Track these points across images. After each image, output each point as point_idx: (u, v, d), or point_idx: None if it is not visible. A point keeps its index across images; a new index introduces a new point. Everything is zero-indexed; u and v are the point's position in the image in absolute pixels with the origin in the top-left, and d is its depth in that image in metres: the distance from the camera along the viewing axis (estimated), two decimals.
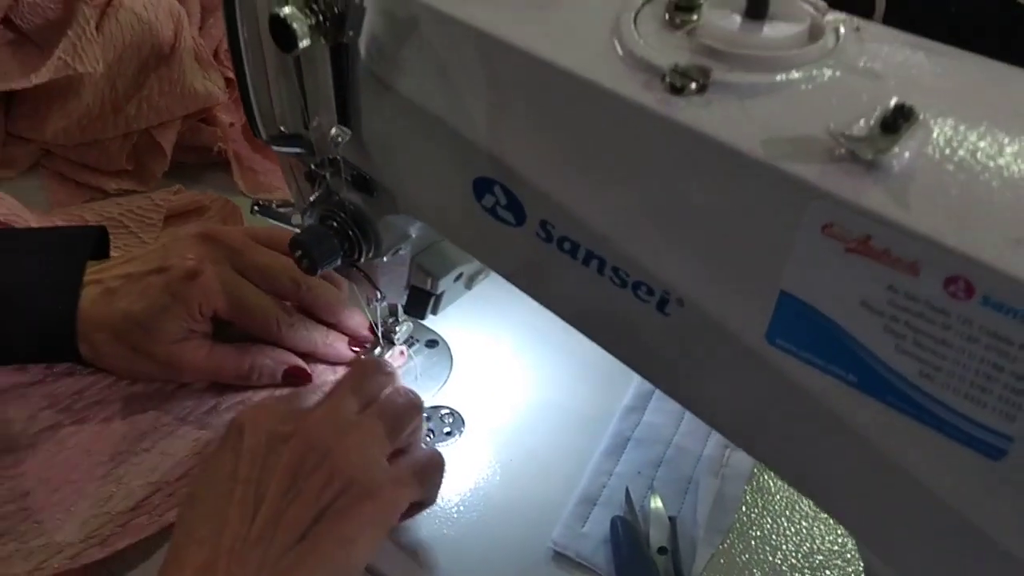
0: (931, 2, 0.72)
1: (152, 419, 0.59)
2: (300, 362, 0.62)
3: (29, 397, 0.60)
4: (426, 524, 0.54)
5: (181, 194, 0.79)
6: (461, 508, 0.56)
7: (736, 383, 0.35)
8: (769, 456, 0.37)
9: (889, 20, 0.70)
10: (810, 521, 0.55)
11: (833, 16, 0.35)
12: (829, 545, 0.53)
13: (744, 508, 0.56)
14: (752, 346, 0.33)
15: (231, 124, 0.85)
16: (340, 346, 0.64)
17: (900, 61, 0.32)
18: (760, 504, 0.56)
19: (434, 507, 0.55)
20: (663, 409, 0.61)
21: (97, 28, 0.77)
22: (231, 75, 0.79)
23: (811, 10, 0.34)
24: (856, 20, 0.35)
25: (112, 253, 0.66)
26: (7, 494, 0.54)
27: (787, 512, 0.55)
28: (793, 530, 0.54)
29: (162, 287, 0.58)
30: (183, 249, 0.59)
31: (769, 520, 0.55)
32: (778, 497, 0.56)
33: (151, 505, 0.54)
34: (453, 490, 0.57)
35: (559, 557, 0.53)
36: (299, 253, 0.50)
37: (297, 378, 0.62)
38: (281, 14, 0.39)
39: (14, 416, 0.58)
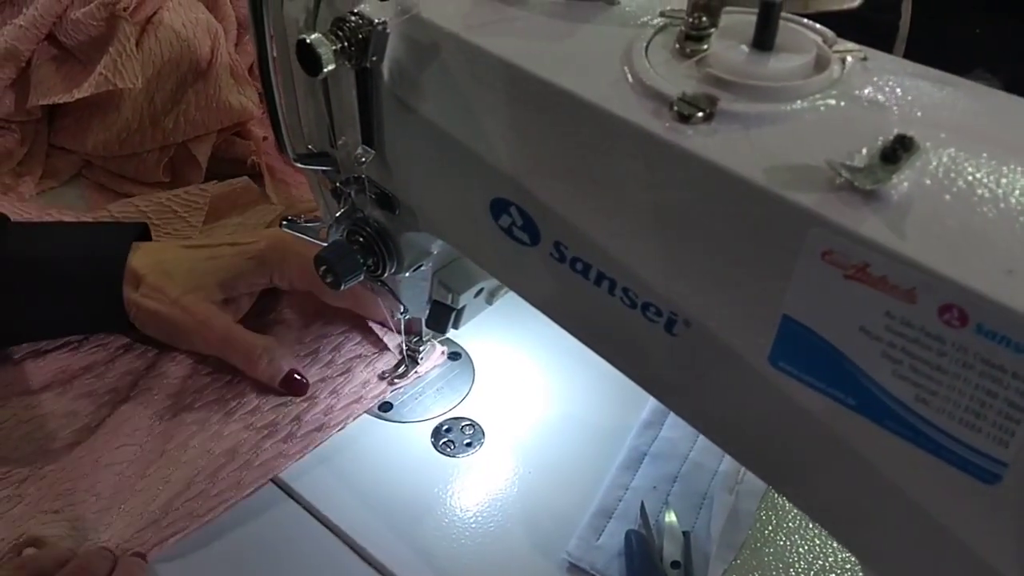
0: (956, 25, 0.72)
1: (201, 417, 0.62)
2: (304, 375, 0.64)
3: (66, 395, 0.63)
4: (443, 533, 0.56)
5: (224, 182, 0.83)
6: (479, 518, 0.57)
7: (740, 404, 0.36)
8: (772, 476, 0.37)
9: (914, 44, 0.70)
10: (823, 539, 0.55)
11: (842, 46, 0.36)
12: (842, 563, 0.53)
13: (758, 524, 0.56)
14: (756, 368, 0.34)
15: (264, 138, 0.87)
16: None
17: (904, 91, 0.33)
18: (774, 521, 0.56)
19: (452, 517, 0.56)
20: (680, 424, 0.62)
21: (137, 45, 0.79)
22: None
23: (818, 40, 0.35)
24: (865, 50, 0.36)
25: (160, 237, 0.72)
26: (69, 497, 0.56)
27: (800, 530, 0.55)
28: (806, 547, 0.54)
29: (235, 252, 0.64)
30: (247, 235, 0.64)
31: (782, 537, 0.55)
32: (792, 514, 0.56)
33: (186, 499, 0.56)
34: (472, 500, 0.58)
35: (573, 569, 0.54)
36: (323, 268, 0.52)
37: (293, 385, 0.64)
38: (308, 40, 0.41)
39: (53, 410, 0.61)
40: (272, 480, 0.58)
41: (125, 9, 0.78)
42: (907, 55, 0.75)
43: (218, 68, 0.82)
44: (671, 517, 0.56)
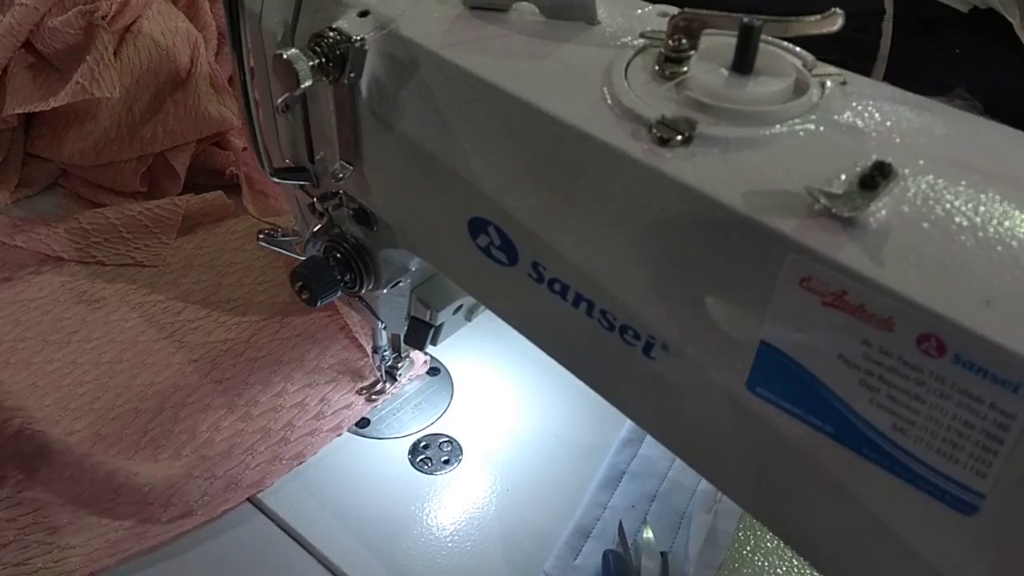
0: (936, 45, 0.72)
1: (189, 426, 0.62)
2: None
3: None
4: (420, 552, 0.55)
5: (199, 196, 0.82)
6: (456, 536, 0.56)
7: (717, 428, 0.36)
8: (749, 501, 0.37)
9: (894, 63, 0.70)
10: (802, 560, 0.55)
11: (822, 70, 0.36)
12: None
13: (736, 545, 0.56)
14: (733, 393, 0.34)
15: (244, 148, 0.86)
16: None
17: (883, 116, 0.33)
18: (752, 541, 0.56)
19: (429, 535, 0.56)
20: (658, 443, 0.62)
21: (115, 53, 0.79)
22: None
23: (798, 64, 0.35)
24: (845, 74, 0.36)
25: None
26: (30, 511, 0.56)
27: (779, 551, 0.55)
28: (784, 568, 0.54)
29: None
30: None
31: (760, 557, 0.55)
32: (770, 535, 0.56)
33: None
34: (449, 518, 0.57)
35: None
36: (299, 285, 0.51)
37: None
38: (285, 55, 0.41)
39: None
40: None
41: (103, 17, 0.77)
42: (887, 74, 0.76)
43: (197, 78, 0.82)
44: (649, 536, 0.55)
